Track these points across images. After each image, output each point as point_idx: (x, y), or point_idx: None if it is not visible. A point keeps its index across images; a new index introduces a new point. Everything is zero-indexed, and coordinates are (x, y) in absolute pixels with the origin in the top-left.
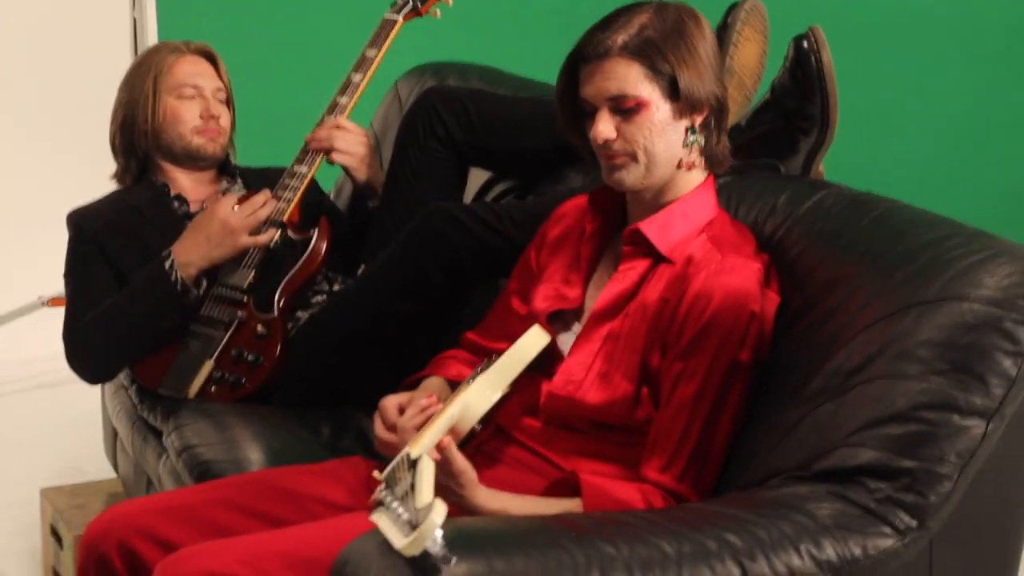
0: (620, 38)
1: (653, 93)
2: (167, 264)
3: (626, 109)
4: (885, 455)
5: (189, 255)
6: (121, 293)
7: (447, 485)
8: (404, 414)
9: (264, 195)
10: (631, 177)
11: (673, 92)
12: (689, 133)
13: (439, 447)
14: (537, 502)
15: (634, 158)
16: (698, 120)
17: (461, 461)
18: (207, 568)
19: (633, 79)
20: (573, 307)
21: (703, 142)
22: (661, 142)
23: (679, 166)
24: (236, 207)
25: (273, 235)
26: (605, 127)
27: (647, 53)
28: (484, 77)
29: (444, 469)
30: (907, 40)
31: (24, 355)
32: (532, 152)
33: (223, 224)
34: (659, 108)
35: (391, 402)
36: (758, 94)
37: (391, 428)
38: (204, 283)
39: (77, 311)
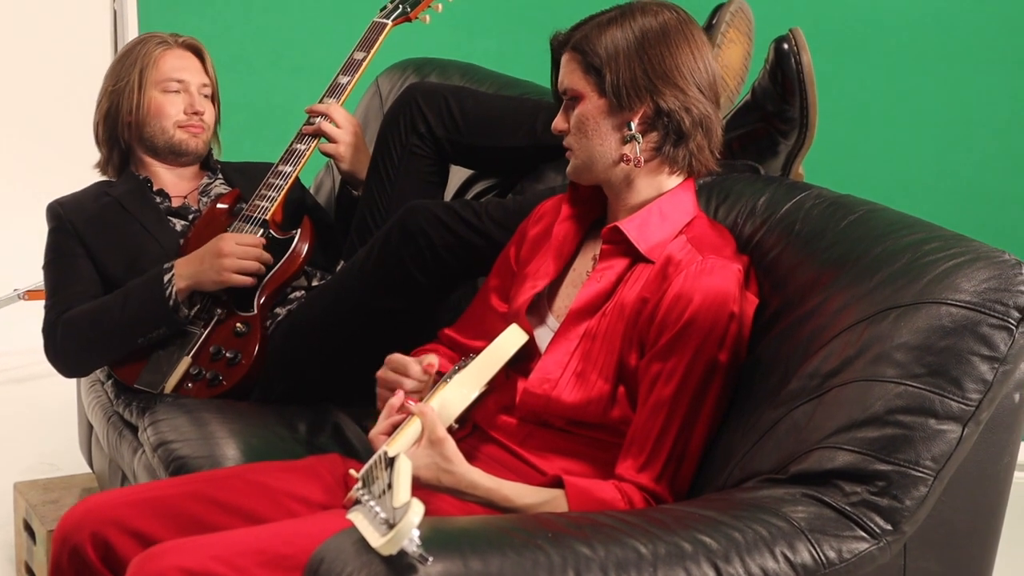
0: (576, 33)
1: (587, 87)
2: (167, 277)
3: (570, 100)
4: (861, 458)
5: (182, 269)
6: (114, 294)
7: (435, 464)
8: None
9: (260, 242)
10: (574, 170)
11: (604, 88)
12: (627, 129)
13: (421, 415)
14: (526, 487)
15: (574, 151)
16: (633, 119)
17: (441, 430)
18: (182, 564)
19: (572, 72)
20: (547, 281)
21: (645, 141)
22: (596, 136)
23: (620, 161)
24: (238, 240)
25: (248, 281)
26: (559, 118)
27: (583, 48)
28: (466, 74)
29: (426, 438)
30: (888, 42)
31: None
32: (513, 150)
33: (216, 249)
34: (592, 102)
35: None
36: (740, 96)
37: (396, 369)
38: (196, 305)
39: (57, 303)
